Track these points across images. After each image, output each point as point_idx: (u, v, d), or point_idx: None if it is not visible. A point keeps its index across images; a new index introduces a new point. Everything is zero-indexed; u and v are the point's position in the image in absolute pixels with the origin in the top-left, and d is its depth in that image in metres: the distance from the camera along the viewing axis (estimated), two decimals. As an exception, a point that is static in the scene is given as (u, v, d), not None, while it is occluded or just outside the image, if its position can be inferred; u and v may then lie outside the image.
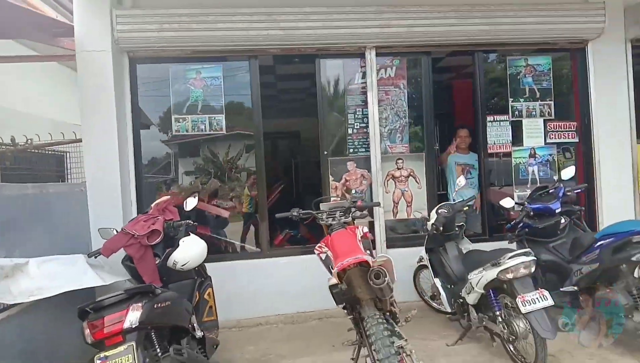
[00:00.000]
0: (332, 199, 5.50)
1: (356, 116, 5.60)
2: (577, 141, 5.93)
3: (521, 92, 5.86)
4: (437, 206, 4.83)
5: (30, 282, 3.49)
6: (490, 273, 3.84)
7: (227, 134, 5.42)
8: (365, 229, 4.20)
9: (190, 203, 4.45)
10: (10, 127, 6.52)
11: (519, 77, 5.86)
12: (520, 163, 5.86)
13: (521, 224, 4.84)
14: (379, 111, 5.60)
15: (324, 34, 5.21)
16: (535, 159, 5.87)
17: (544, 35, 5.55)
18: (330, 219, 4.09)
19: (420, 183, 5.70)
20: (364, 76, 5.56)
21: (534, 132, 5.85)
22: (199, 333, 3.58)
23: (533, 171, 5.85)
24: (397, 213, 5.67)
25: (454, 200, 5.63)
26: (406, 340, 3.18)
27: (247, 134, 5.46)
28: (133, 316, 2.93)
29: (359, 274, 3.19)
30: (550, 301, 3.59)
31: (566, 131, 5.91)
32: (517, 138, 5.85)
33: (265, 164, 5.43)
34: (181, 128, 5.42)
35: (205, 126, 5.43)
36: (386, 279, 3.01)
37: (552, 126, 5.89)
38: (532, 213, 4.75)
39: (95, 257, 4.06)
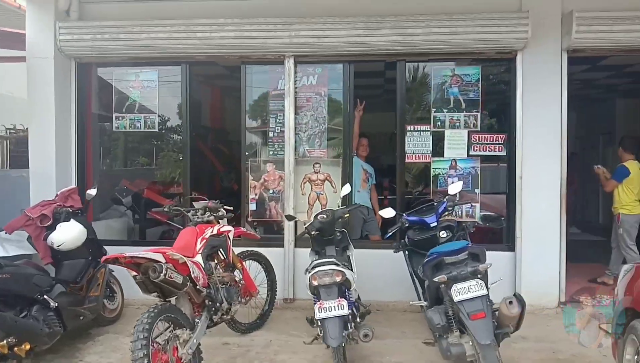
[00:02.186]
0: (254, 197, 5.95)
1: (277, 120, 5.93)
2: (505, 154, 5.77)
3: (445, 103, 5.81)
4: (318, 212, 5.06)
5: None
6: (306, 279, 4.07)
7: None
8: (226, 228, 4.61)
9: (90, 193, 5.15)
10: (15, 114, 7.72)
11: (444, 87, 5.82)
12: (439, 174, 5.84)
13: (406, 234, 4.95)
14: (299, 116, 5.90)
15: (239, 43, 5.60)
16: (456, 171, 5.82)
17: (463, 45, 5.47)
18: (196, 217, 4.56)
19: (335, 187, 5.91)
20: (287, 82, 5.87)
21: (456, 143, 5.79)
22: (52, 304, 4.23)
23: (453, 182, 5.80)
24: (311, 214, 5.93)
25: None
26: (183, 329, 3.57)
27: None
28: (-35, 282, 3.63)
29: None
30: (345, 311, 3.77)
31: (492, 144, 5.78)
32: (438, 148, 5.83)
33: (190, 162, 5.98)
34: (120, 125, 6.14)
35: (140, 124, 6.09)
36: (160, 274, 3.42)
37: (476, 138, 5.78)
38: (407, 225, 4.84)
39: (10, 233, 4.87)
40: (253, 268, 5.21)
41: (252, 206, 6.01)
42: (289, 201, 5.81)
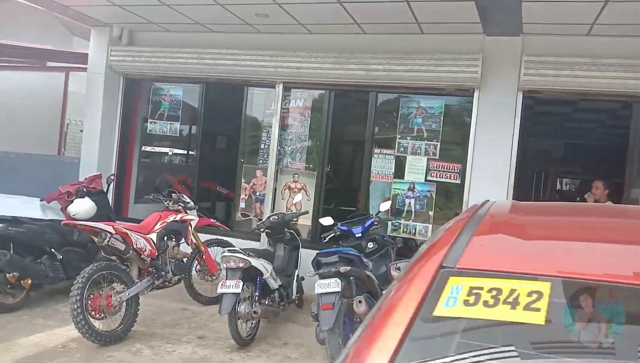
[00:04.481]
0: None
1: (268, 134, 7.03)
2: (459, 182, 6.26)
3: (410, 131, 6.46)
4: (272, 213, 6.05)
5: (-9, 208, 6.16)
6: (222, 262, 5.11)
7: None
8: (188, 217, 5.81)
9: (110, 178, 6.68)
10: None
11: (409, 117, 6.47)
12: (399, 194, 6.49)
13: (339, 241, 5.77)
14: (285, 133, 6.94)
15: (237, 69, 6.80)
16: (413, 193, 6.42)
17: (420, 81, 6.09)
18: (169, 205, 5.85)
19: (309, 195, 6.83)
20: (281, 103, 6.96)
21: (416, 168, 6.40)
22: (58, 256, 5.74)
23: (410, 203, 6.42)
24: (286, 217, 6.92)
25: None
26: (119, 284, 4.80)
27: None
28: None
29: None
30: (236, 290, 4.71)
31: (448, 172, 6.30)
32: (400, 171, 6.49)
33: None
34: (152, 130, 7.68)
35: (167, 130, 7.57)
36: (104, 240, 4.70)
37: (434, 166, 6.34)
38: (338, 233, 5.64)
39: (49, 202, 6.56)
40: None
41: (242, 204, 7.16)
42: (268, 204, 6.87)
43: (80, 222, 4.88)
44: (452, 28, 5.98)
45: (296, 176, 6.93)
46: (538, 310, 0.90)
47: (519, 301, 0.92)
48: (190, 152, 7.64)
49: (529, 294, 0.93)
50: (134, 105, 7.85)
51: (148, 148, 7.93)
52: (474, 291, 0.97)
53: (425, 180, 6.39)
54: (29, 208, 6.39)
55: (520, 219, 1.43)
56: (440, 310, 0.97)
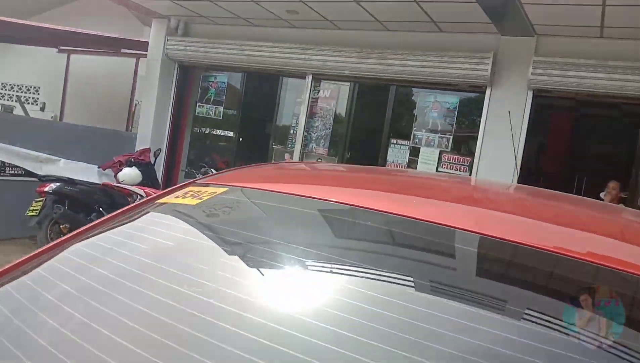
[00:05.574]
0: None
1: (297, 121, 7.64)
2: (468, 175, 6.52)
3: (425, 124, 6.80)
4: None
5: (55, 169, 7.27)
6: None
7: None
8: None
9: (156, 152, 7.60)
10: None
11: (425, 110, 6.80)
12: (410, 182, 6.84)
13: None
14: (312, 120, 7.52)
15: (272, 60, 7.45)
16: (424, 183, 6.76)
17: (435, 77, 6.41)
18: (198, 177, 6.66)
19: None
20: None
21: (428, 159, 6.74)
22: (106, 214, 6.71)
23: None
24: (308, 198, 7.51)
25: None
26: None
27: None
28: (50, 187, 6.28)
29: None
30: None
31: (459, 164, 6.58)
32: (413, 161, 6.85)
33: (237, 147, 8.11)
34: (200, 112, 8.54)
35: (212, 112, 8.40)
36: (135, 201, 5.55)
37: (446, 158, 6.65)
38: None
39: (104, 169, 7.61)
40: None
41: (270, 184, 7.82)
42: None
43: (115, 184, 5.76)
44: (469, 27, 6.25)
45: (319, 160, 7.49)
46: (201, 198, 1.43)
47: (197, 196, 1.45)
48: (231, 134, 8.42)
49: (209, 193, 1.46)
50: (187, 89, 8.75)
51: (196, 128, 8.81)
52: (188, 191, 1.52)
53: (436, 171, 6.70)
54: (87, 173, 7.45)
55: (272, 170, 1.94)
56: (163, 200, 1.53)
